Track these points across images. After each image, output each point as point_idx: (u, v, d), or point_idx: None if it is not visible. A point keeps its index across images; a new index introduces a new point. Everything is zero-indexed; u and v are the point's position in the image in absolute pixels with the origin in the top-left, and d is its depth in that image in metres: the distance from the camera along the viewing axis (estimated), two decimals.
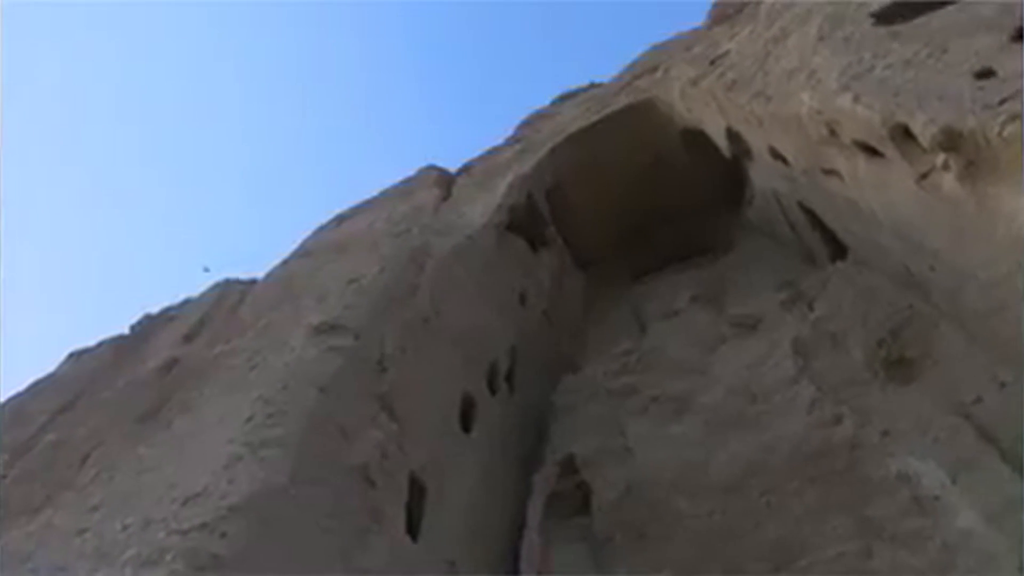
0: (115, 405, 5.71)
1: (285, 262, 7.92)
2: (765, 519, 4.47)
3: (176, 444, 4.30)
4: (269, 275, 7.87)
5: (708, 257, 7.74)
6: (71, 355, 8.09)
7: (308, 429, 3.97)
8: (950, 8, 4.61)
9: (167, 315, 8.59)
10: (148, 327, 8.34)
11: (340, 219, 8.61)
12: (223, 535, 3.22)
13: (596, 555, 4.80)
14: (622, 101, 7.96)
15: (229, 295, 8.15)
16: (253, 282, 8.19)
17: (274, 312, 5.89)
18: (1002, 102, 3.44)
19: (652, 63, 8.43)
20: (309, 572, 3.41)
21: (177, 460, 4.02)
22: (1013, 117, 3.32)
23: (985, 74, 3.73)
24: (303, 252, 7.98)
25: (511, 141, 9.09)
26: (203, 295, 8.65)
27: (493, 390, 5.88)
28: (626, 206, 7.94)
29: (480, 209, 7.29)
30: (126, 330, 8.48)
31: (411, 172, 9.18)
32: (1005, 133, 3.31)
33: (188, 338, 7.28)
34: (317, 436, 4.00)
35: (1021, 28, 3.92)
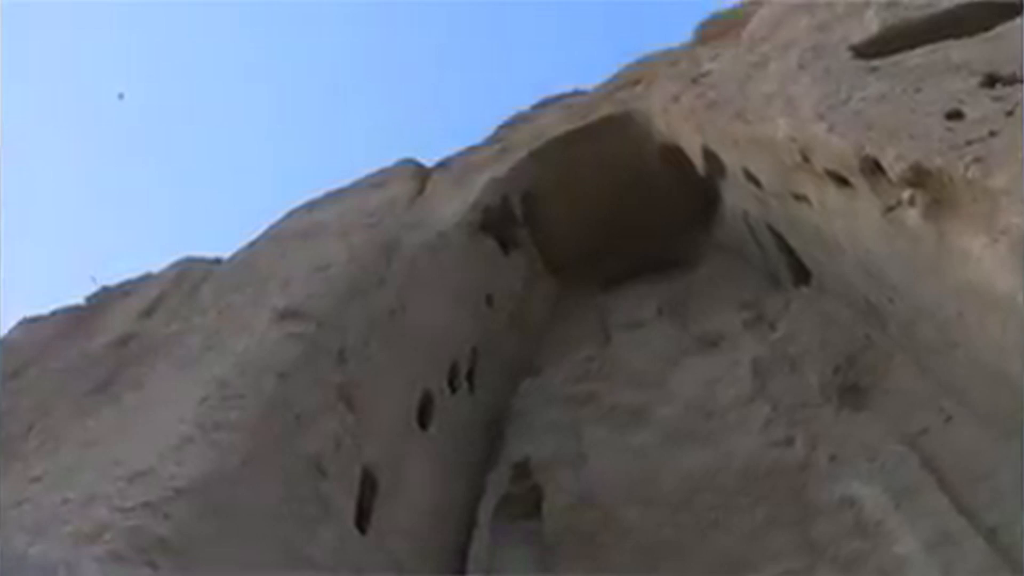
0: (65, 376, 5.58)
1: (252, 244, 7.82)
2: (712, 534, 4.54)
3: (125, 420, 4.21)
4: (234, 256, 7.76)
5: (676, 271, 7.83)
6: (22, 322, 7.88)
7: (264, 415, 3.92)
8: (926, 48, 4.74)
9: (125, 289, 8.42)
10: (104, 299, 8.16)
11: (311, 206, 8.52)
12: (167, 516, 3.15)
13: (543, 559, 4.83)
14: (603, 111, 8.01)
15: (191, 273, 8.01)
16: (217, 262, 8.06)
17: (236, 294, 5.80)
18: (968, 143, 3.54)
19: (635, 76, 8.50)
20: (254, 558, 3.37)
21: (125, 437, 3.94)
22: (977, 160, 3.42)
23: (955, 115, 3.84)
24: (271, 236, 7.88)
25: (490, 141, 9.08)
26: (164, 271, 8.49)
27: (453, 388, 5.87)
28: (599, 215, 7.99)
29: (454, 207, 7.27)
30: (81, 301, 8.28)
31: (387, 164, 9.13)
32: (969, 175, 3.41)
33: (145, 314, 7.15)
34: (272, 422, 3.95)
35: (991, 74, 4.05)
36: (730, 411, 5.37)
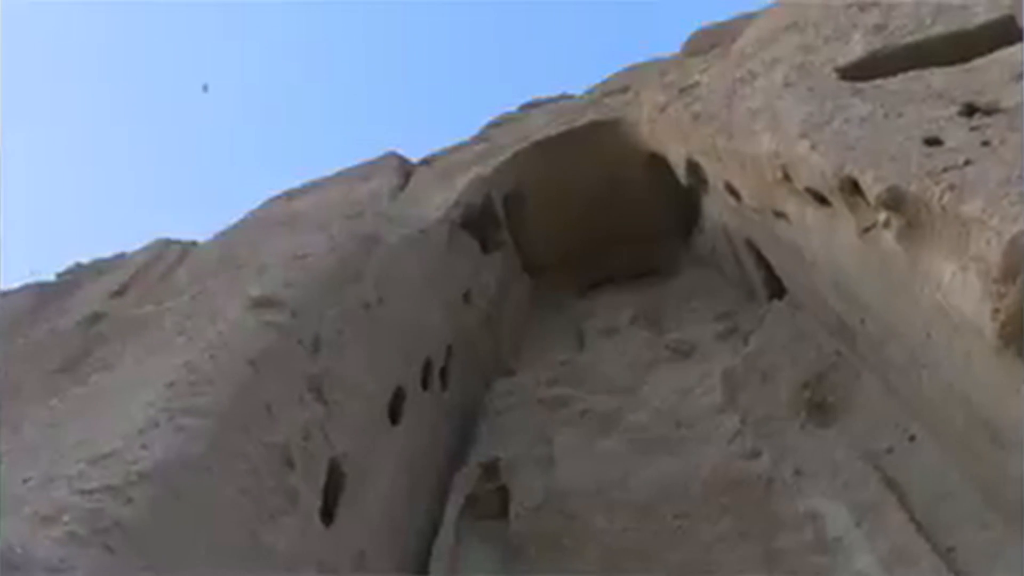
0: (31, 354, 5.48)
1: (229, 229, 7.75)
2: (676, 541, 4.58)
3: (91, 401, 4.14)
4: (211, 240, 7.69)
5: (653, 280, 7.89)
6: None
7: (233, 402, 3.87)
8: (909, 74, 4.82)
9: (98, 267, 8.31)
10: (76, 277, 8.05)
11: (292, 194, 8.47)
12: (128, 500, 3.10)
13: (507, 560, 4.83)
14: (590, 116, 8.05)
15: (166, 255, 7.93)
16: (193, 244, 7.98)
17: (212, 279, 5.74)
18: (945, 170, 3.60)
19: (624, 83, 8.55)
20: (214, 546, 3.33)
21: (90, 418, 3.87)
22: (952, 187, 3.48)
23: (933, 142, 3.91)
24: (249, 222, 7.83)
25: (476, 140, 9.09)
26: (138, 252, 8.39)
27: (426, 385, 5.85)
28: (581, 220, 8.02)
29: (436, 203, 7.26)
30: (52, 277, 8.15)
31: (371, 156, 9.10)
32: (943, 201, 3.47)
33: (117, 293, 7.06)
34: (241, 410, 3.90)
35: (970, 104, 4.12)
36: (700, 421, 5.42)
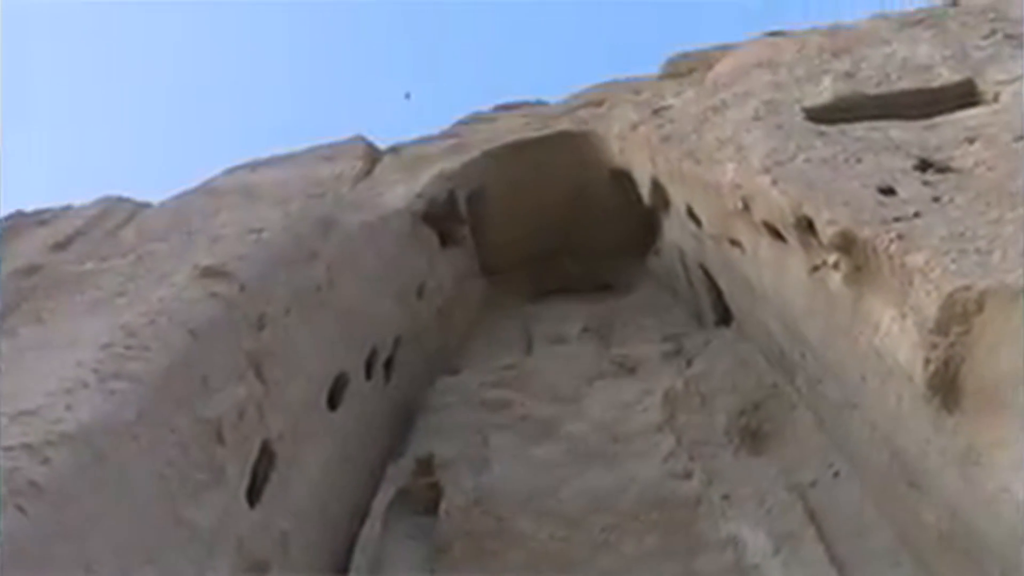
0: None
1: (185, 194, 7.54)
2: (601, 553, 4.63)
3: (18, 355, 3.98)
4: (165, 203, 7.46)
5: (606, 294, 7.97)
6: None
7: (168, 370, 3.77)
8: (872, 123, 4.99)
9: (40, 217, 7.99)
10: (16, 225, 7.73)
11: (255, 166, 8.28)
12: (46, 460, 2.99)
13: (432, 557, 4.81)
14: (563, 125, 8.09)
15: (115, 212, 7.68)
16: (146, 206, 7.75)
17: (161, 243, 5.58)
18: (896, 220, 3.73)
19: (599, 97, 8.62)
20: (132, 516, 3.23)
21: (15, 372, 3.72)
22: (900, 236, 3.61)
23: (887, 191, 4.05)
24: (207, 189, 7.63)
25: (446, 135, 9.04)
26: (86, 206, 8.10)
27: (369, 374, 5.80)
28: (542, 226, 8.05)
29: (400, 193, 7.20)
30: None
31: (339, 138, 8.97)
32: (891, 249, 3.59)
33: (59, 247, 6.80)
34: (176, 380, 3.80)
35: (925, 159, 4.28)
36: (637, 437, 5.49)
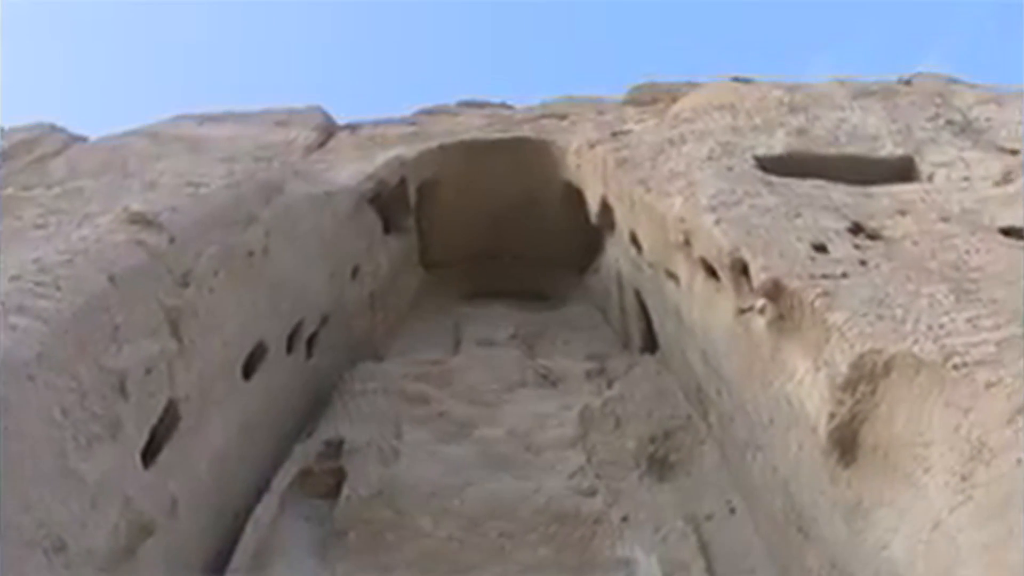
0: None
1: (126, 134, 7.24)
2: (494, 559, 4.65)
3: None
4: (102, 140, 7.15)
5: (539, 305, 8.03)
6: None
7: (78, 314, 3.59)
8: (816, 182, 5.20)
9: None
10: None
11: (204, 118, 8.01)
12: None
13: (325, 542, 4.74)
14: (524, 131, 8.13)
15: (46, 140, 7.31)
16: (81, 139, 7.40)
17: (92, 180, 5.34)
18: (824, 277, 3.89)
19: (563, 110, 8.70)
20: (16, 460, 3.07)
21: None
22: (825, 293, 3.77)
23: (820, 248, 4.23)
24: (150, 133, 7.35)
25: (406, 121, 8.96)
26: (15, 129, 7.68)
27: (290, 348, 5.68)
28: (487, 228, 8.07)
29: (351, 171, 7.09)
30: None
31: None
32: (815, 303, 3.75)
33: None
34: (84, 325, 3.63)
35: (859, 224, 4.49)
36: (548, 450, 5.54)
